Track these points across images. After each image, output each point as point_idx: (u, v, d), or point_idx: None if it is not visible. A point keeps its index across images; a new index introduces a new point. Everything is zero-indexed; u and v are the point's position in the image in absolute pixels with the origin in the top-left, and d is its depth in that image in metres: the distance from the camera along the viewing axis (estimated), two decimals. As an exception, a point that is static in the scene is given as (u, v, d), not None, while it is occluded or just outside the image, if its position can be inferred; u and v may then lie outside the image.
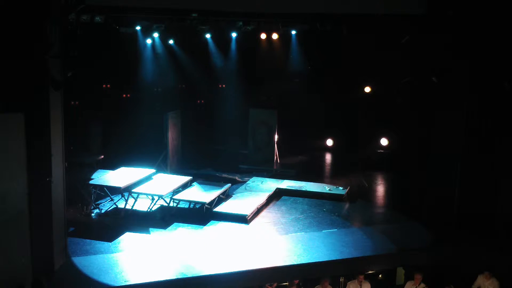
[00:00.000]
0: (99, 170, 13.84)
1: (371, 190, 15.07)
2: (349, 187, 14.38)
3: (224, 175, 15.53)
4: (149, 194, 12.45)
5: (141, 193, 12.44)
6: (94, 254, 10.27)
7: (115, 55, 15.41)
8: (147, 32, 15.68)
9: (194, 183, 13.43)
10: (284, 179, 14.97)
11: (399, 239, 11.37)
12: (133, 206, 12.41)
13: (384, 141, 17.97)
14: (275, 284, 10.88)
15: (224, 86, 19.00)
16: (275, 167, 16.52)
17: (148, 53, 16.80)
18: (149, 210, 12.50)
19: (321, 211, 12.99)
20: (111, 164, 14.26)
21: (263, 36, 16.31)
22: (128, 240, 10.97)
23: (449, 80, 12.21)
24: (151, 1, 12.29)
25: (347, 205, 13.62)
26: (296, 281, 10.81)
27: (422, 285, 10.57)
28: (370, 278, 11.21)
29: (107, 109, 15.93)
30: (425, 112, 13.89)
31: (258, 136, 16.79)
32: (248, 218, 12.14)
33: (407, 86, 15.20)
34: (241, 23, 14.89)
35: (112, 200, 12.80)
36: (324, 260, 10.33)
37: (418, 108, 15.24)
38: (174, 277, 9.48)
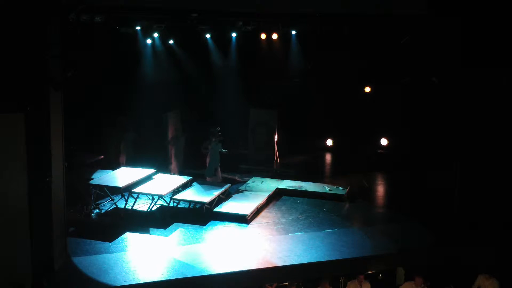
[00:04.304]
0: (99, 170, 13.84)
1: (371, 190, 15.05)
2: (349, 187, 14.37)
3: (224, 175, 15.51)
4: (149, 194, 12.45)
5: (141, 193, 12.45)
6: (94, 254, 10.26)
7: (115, 55, 15.40)
8: (147, 32, 15.65)
9: (194, 183, 13.43)
10: (284, 179, 14.97)
11: (399, 239, 11.36)
12: (133, 206, 12.42)
13: (384, 141, 17.98)
14: (275, 284, 10.88)
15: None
16: (275, 167, 16.52)
17: (148, 53, 16.78)
18: (149, 210, 12.51)
19: (321, 211, 12.98)
20: (111, 164, 14.26)
21: (263, 36, 16.31)
22: (128, 240, 10.98)
23: (449, 79, 12.24)
24: (151, 1, 12.28)
25: (347, 205, 13.62)
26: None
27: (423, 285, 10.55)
28: (370, 278, 11.22)
29: (107, 109, 15.90)
30: (425, 112, 13.91)
31: (258, 136, 16.78)
32: (248, 218, 12.14)
33: (407, 86, 15.20)
34: (241, 23, 14.89)
35: (112, 200, 12.81)
36: (324, 260, 10.33)
37: (418, 108, 15.25)
38: (174, 277, 9.48)
